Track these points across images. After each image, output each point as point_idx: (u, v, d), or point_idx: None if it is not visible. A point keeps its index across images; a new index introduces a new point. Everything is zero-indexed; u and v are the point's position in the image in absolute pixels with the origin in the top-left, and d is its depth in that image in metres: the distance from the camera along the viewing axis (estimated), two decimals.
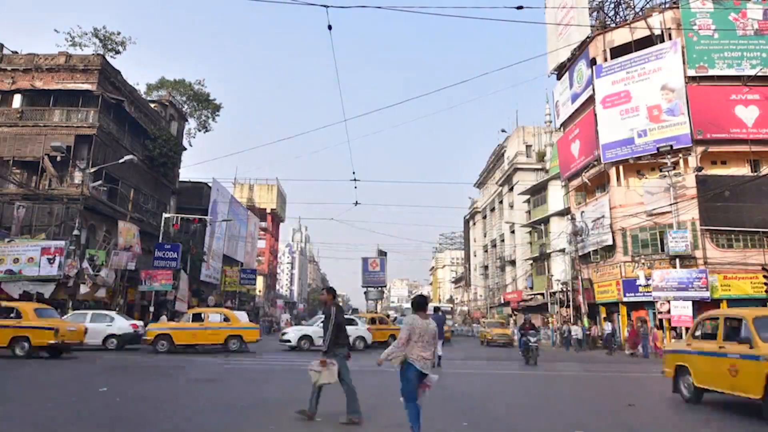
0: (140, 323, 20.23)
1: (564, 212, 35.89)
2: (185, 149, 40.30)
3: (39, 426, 5.95)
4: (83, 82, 27.85)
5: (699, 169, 25.63)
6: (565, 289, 33.76)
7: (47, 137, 26.10)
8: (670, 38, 28.01)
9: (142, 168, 32.53)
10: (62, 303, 22.10)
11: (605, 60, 30.13)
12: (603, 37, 30.76)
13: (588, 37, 31.28)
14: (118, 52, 37.09)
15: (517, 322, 37.38)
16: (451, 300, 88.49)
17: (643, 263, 26.84)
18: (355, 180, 24.09)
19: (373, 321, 24.88)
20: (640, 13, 31.13)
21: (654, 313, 25.62)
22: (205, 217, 37.74)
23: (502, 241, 52.48)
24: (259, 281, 60.73)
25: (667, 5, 29.81)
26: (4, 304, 15.76)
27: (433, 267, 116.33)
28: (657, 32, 28.40)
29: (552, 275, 38.05)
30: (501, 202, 53.11)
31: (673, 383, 8.89)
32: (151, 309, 27.93)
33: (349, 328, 9.53)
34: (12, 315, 14.52)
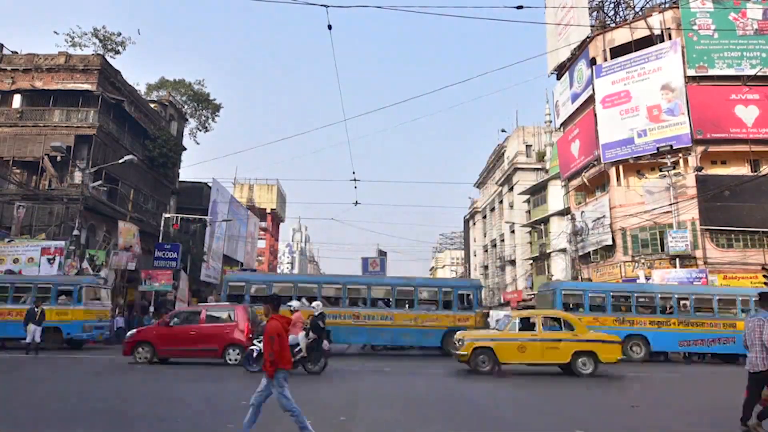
0: None
1: (564, 212, 35.90)
2: (185, 149, 40.31)
3: None
4: (83, 82, 27.86)
5: (699, 169, 25.65)
6: None
7: (47, 137, 26.11)
8: (670, 38, 28.02)
9: (142, 168, 32.54)
10: None
11: (605, 60, 30.14)
12: (603, 37, 30.77)
13: (588, 37, 31.28)
14: (117, 53, 37.11)
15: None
16: None
17: (643, 263, 26.85)
18: (355, 180, 24.16)
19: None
20: (640, 13, 31.15)
21: None
22: (205, 217, 37.74)
23: (502, 241, 52.48)
24: None
25: (667, 5, 29.83)
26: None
27: (433, 267, 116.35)
28: (657, 32, 28.41)
29: (552, 275, 38.05)
30: (501, 202, 53.11)
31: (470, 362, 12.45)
32: (152, 309, 27.95)
33: None
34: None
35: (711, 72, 27.07)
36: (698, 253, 25.47)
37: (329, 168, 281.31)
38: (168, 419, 6.81)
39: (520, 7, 11.70)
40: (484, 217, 62.48)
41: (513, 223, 47.00)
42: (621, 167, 29.12)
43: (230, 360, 13.53)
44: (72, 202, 25.15)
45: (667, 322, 17.63)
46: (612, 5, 33.46)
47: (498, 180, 53.79)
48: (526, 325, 12.87)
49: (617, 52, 29.93)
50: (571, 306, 17.84)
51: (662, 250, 26.27)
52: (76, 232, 22.70)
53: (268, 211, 70.05)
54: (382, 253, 53.35)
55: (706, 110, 26.45)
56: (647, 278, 25.64)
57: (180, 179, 39.52)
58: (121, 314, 26.30)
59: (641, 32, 29.13)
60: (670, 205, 25.42)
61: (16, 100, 28.28)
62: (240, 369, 12.17)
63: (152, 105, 36.36)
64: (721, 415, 7.48)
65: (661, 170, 25.95)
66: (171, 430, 6.35)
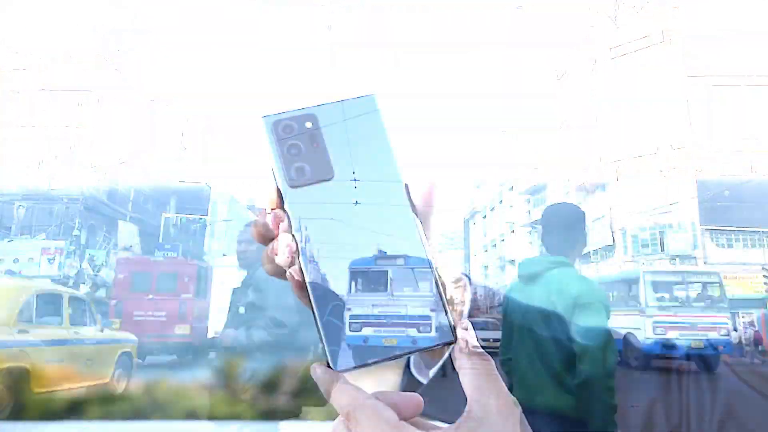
0: None
1: None
2: (185, 149, 40.25)
3: None
4: (83, 82, 27.86)
5: (699, 168, 25.63)
6: None
7: (48, 137, 26.10)
8: (671, 38, 28.02)
9: (142, 167, 32.51)
10: None
11: (605, 60, 30.15)
12: (603, 37, 30.78)
13: (588, 37, 31.31)
14: (118, 52, 37.05)
15: None
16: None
17: (643, 263, 26.84)
18: (354, 180, 24.17)
19: None
20: (641, 13, 31.14)
21: None
22: (205, 216, 37.70)
23: (502, 241, 52.47)
24: None
25: (668, 5, 29.82)
26: None
27: None
28: (657, 32, 28.42)
29: None
30: (501, 201, 53.09)
31: None
32: None
33: None
34: None
35: (711, 72, 27.06)
36: (698, 253, 25.44)
37: None
38: None
39: (520, 7, 11.71)
40: (484, 217, 62.45)
41: (513, 223, 46.97)
42: (621, 167, 29.09)
43: None
44: (72, 202, 25.16)
45: None
46: (612, 5, 33.46)
47: (498, 179, 53.77)
48: None
49: (617, 52, 29.93)
50: None
51: (662, 250, 26.25)
52: (76, 232, 22.71)
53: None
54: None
55: (706, 110, 26.45)
56: None
57: (180, 179, 39.47)
58: None
59: (641, 32, 29.13)
60: (670, 205, 25.41)
61: (17, 99, 28.28)
62: None
63: (153, 104, 36.32)
64: None
65: (661, 170, 25.94)
66: None
